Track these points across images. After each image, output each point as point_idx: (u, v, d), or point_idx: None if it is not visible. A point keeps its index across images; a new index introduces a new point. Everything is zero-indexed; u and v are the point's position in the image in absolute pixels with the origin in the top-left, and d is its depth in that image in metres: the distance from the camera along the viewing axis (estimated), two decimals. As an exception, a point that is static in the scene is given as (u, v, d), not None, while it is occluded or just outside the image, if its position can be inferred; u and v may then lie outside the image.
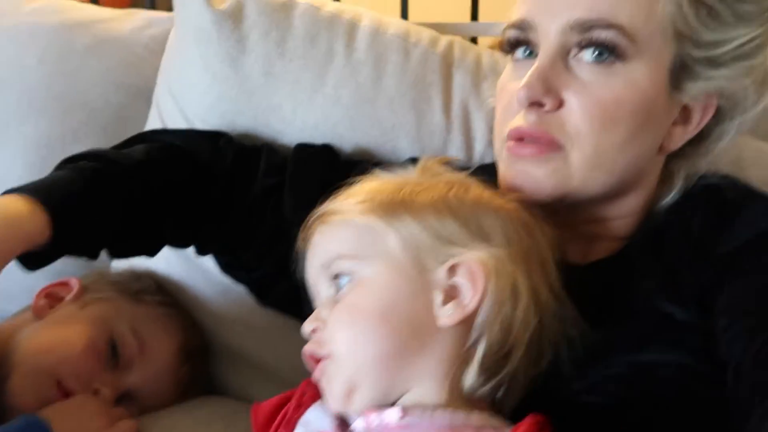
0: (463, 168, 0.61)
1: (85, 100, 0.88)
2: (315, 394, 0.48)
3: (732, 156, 0.74)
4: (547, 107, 0.54)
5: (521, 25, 0.56)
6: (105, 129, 0.88)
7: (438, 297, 0.44)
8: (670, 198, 0.61)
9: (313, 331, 0.47)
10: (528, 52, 0.57)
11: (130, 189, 0.63)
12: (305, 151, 0.73)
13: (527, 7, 0.56)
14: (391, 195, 0.48)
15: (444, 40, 0.80)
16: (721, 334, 0.52)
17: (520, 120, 0.55)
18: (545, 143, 0.54)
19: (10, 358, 0.66)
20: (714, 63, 0.55)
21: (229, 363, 0.82)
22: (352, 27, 0.77)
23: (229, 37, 0.74)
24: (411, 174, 0.53)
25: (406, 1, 1.28)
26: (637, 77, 0.53)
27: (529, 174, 0.55)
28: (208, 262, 0.78)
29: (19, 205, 0.56)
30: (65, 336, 0.68)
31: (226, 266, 0.76)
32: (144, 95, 0.88)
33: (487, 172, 0.60)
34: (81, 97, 0.88)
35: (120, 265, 0.84)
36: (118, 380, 0.68)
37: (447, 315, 0.44)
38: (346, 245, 0.47)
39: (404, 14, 1.29)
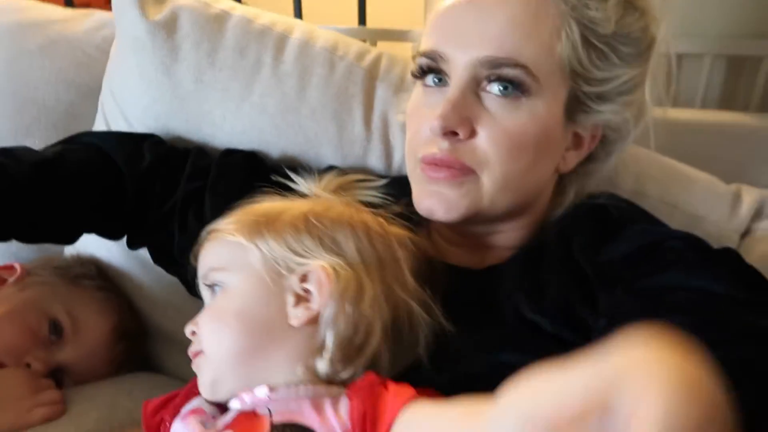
0: (381, 177, 0.68)
1: (37, 97, 0.93)
2: None
3: (635, 171, 0.80)
4: (461, 136, 0.58)
5: (432, 56, 0.60)
6: (55, 126, 0.93)
7: (290, 300, 0.51)
8: (561, 210, 0.68)
9: (193, 333, 0.53)
10: (438, 79, 0.61)
11: (26, 185, 0.68)
12: (229, 156, 0.78)
13: (439, 39, 0.60)
14: (259, 216, 0.54)
15: (372, 53, 0.85)
16: (599, 334, 0.55)
17: (434, 147, 0.60)
18: (458, 168, 0.59)
19: None
20: (602, 98, 0.62)
21: (163, 344, 0.88)
22: (281, 39, 0.82)
23: (163, 46, 0.79)
24: (304, 192, 0.60)
25: (364, 8, 1.33)
26: (539, 111, 0.59)
27: (443, 195, 0.60)
28: (145, 252, 0.84)
29: None
30: (2, 315, 0.74)
31: (157, 259, 0.81)
32: (94, 94, 0.92)
33: (400, 186, 0.66)
34: (33, 95, 0.93)
35: (69, 251, 0.91)
36: (50, 356, 0.75)
37: (296, 316, 0.50)
38: (218, 259, 0.54)
39: (362, 20, 1.33)
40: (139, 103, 0.82)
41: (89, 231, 0.80)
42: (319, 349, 0.50)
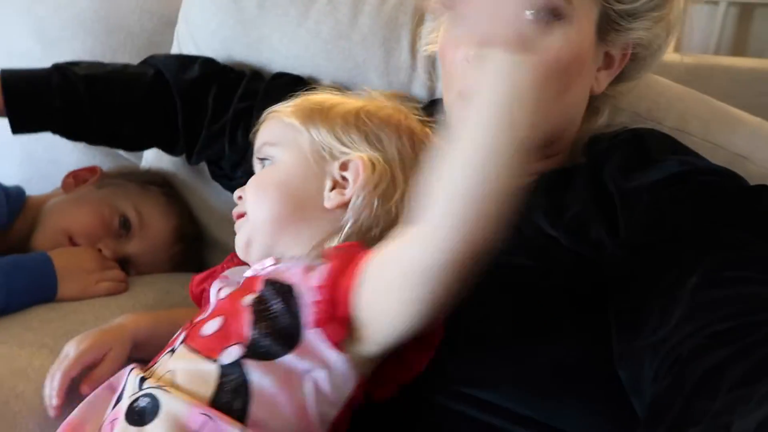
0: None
1: (124, 24, 1.03)
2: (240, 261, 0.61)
3: (679, 108, 0.79)
4: None
5: None
6: (138, 50, 1.02)
7: (328, 184, 0.55)
8: (594, 131, 0.68)
9: (240, 197, 0.59)
10: None
11: (86, 89, 0.80)
12: (278, 79, 0.84)
13: None
14: (316, 104, 0.59)
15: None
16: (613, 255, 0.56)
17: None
18: None
19: (38, 219, 0.84)
20: (633, 15, 0.61)
21: (217, 253, 0.96)
22: (340, -29, 0.87)
23: (231, -28, 0.86)
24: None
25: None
26: (571, 34, 0.58)
27: None
28: (205, 168, 0.92)
29: None
30: (81, 205, 0.85)
31: (213, 174, 0.90)
32: (172, 24, 1.01)
33: (438, 107, 0.69)
34: (121, 22, 1.03)
35: (144, 163, 1.02)
36: (118, 246, 0.85)
37: (330, 198, 0.55)
38: (272, 135, 0.59)
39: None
40: (207, 27, 0.89)
41: (151, 142, 0.89)
42: (337, 231, 0.54)
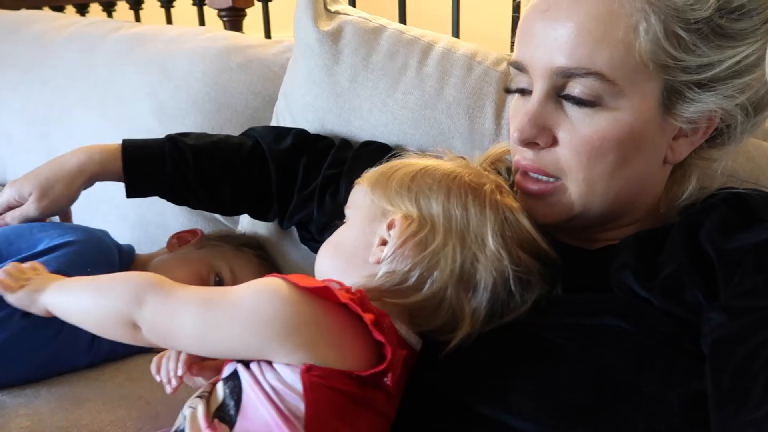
0: None
1: (231, 103, 1.13)
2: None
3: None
4: (542, 145, 0.60)
5: (516, 65, 0.62)
6: (242, 126, 1.12)
7: (376, 241, 0.58)
8: (685, 198, 0.65)
9: None
10: (525, 87, 0.62)
11: (193, 157, 0.88)
12: (365, 148, 0.88)
13: (520, 49, 0.62)
14: (386, 169, 0.63)
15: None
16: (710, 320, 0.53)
17: (520, 154, 0.63)
18: (543, 176, 0.61)
19: None
20: (705, 85, 0.57)
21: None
22: (428, 47, 0.92)
23: (328, 51, 0.93)
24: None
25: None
26: (622, 114, 0.57)
27: (534, 209, 0.62)
28: (294, 232, 0.97)
29: (111, 146, 0.87)
30: (182, 264, 0.91)
31: (302, 237, 0.94)
32: (273, 101, 1.11)
33: None
34: (228, 102, 1.14)
35: (239, 228, 1.09)
36: None
37: (374, 254, 0.58)
38: (350, 200, 0.65)
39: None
40: (302, 100, 0.97)
41: (247, 207, 0.95)
42: (372, 276, 0.56)
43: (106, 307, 0.54)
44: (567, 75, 0.57)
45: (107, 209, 1.19)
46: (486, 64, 0.90)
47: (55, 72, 1.37)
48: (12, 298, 0.64)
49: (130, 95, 1.22)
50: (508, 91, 0.66)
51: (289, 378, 0.48)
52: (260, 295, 0.50)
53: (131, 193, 0.88)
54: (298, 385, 0.48)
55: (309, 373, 0.48)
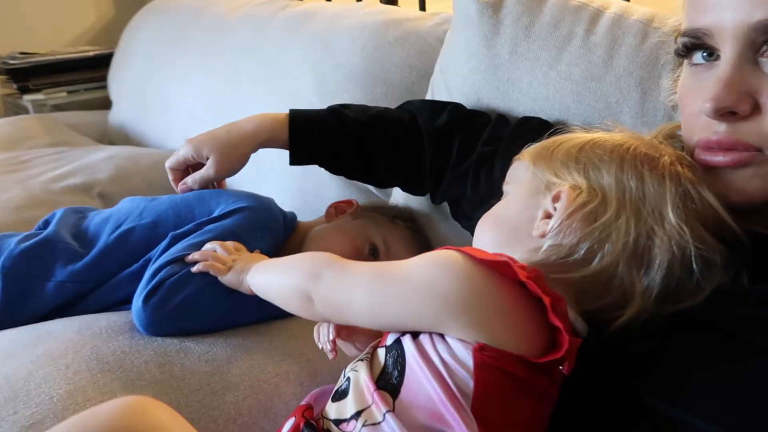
0: None
1: (387, 77, 1.15)
2: None
3: None
4: (741, 114, 0.53)
5: (694, 34, 0.55)
6: (398, 101, 1.13)
7: (539, 215, 0.56)
8: None
9: None
10: (707, 53, 0.55)
11: (354, 130, 0.90)
12: (525, 124, 0.84)
13: (699, 13, 0.55)
14: (549, 143, 0.61)
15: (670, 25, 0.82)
16: None
17: (708, 130, 0.55)
18: (741, 150, 0.54)
19: (305, 242, 0.95)
20: None
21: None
22: (596, 14, 0.86)
23: (488, 21, 0.90)
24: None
25: None
26: None
27: (726, 184, 0.55)
28: (446, 207, 0.97)
29: (280, 115, 0.91)
30: (339, 234, 0.95)
31: (453, 214, 0.94)
32: (429, 77, 1.10)
33: None
34: (385, 75, 1.15)
35: (392, 200, 1.11)
36: None
37: (538, 227, 0.55)
38: (509, 175, 0.63)
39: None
40: (460, 73, 0.95)
41: (401, 180, 0.97)
42: (537, 250, 0.54)
43: (290, 283, 0.59)
44: None
45: (272, 179, 1.28)
46: (664, 30, 0.81)
47: (229, 52, 1.49)
48: (223, 280, 0.73)
49: (294, 71, 1.29)
50: (683, 56, 0.59)
51: (460, 353, 0.48)
52: (434, 269, 0.50)
53: (294, 161, 0.93)
54: (469, 362, 0.47)
55: (481, 352, 0.47)
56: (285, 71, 1.31)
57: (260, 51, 1.40)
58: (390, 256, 0.93)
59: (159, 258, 0.78)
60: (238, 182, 1.10)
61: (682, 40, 0.58)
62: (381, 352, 0.53)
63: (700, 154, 0.57)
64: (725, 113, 0.53)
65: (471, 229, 0.92)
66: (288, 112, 0.93)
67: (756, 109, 0.53)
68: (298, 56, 1.29)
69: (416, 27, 1.18)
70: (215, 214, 0.85)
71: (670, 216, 0.52)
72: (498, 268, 0.49)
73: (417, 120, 0.92)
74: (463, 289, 0.48)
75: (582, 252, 0.53)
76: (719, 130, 0.54)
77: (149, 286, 0.72)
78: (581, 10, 0.87)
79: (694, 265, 0.52)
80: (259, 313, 0.77)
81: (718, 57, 0.55)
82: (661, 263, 0.52)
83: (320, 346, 0.64)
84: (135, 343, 0.69)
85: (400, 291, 0.51)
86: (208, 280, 0.73)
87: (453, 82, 0.97)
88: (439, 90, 1.01)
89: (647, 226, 0.52)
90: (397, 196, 1.09)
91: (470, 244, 0.84)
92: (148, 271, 0.76)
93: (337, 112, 0.93)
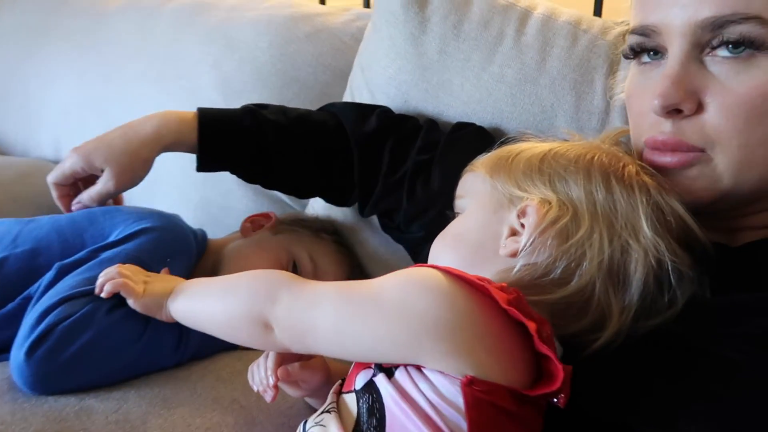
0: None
1: (299, 76, 1.06)
2: None
3: None
4: (686, 112, 0.53)
5: (642, 31, 0.55)
6: (312, 102, 1.05)
7: (505, 232, 0.52)
8: None
9: None
10: (653, 52, 0.55)
11: (274, 134, 0.81)
12: (460, 131, 0.80)
13: (646, 11, 0.55)
14: (505, 153, 0.57)
15: (617, 29, 0.82)
16: None
17: (655, 130, 0.55)
18: (685, 150, 0.53)
19: (219, 262, 0.85)
20: None
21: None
22: (525, 14, 0.83)
23: (414, 18, 0.85)
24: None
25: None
26: None
27: (673, 183, 0.54)
28: (375, 219, 0.90)
29: (187, 114, 0.80)
30: (260, 250, 0.85)
31: (384, 226, 0.87)
32: (345, 77, 1.03)
33: None
34: (296, 74, 1.06)
35: (310, 211, 1.02)
36: None
37: (505, 246, 0.51)
38: (462, 188, 0.58)
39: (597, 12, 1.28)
40: (384, 73, 0.89)
41: (323, 191, 0.89)
42: (508, 271, 0.50)
43: (236, 307, 0.50)
44: (717, 26, 0.50)
45: (168, 189, 1.14)
46: (592, 33, 0.80)
47: (109, 45, 1.31)
48: (138, 304, 0.60)
49: (191, 69, 1.15)
50: (631, 57, 0.58)
51: (447, 390, 0.41)
52: (408, 285, 0.44)
53: (202, 167, 0.82)
54: (459, 400, 0.41)
55: (471, 387, 0.41)
56: (179, 68, 1.17)
57: (147, 45, 1.25)
58: (318, 275, 0.84)
59: (43, 296, 0.64)
60: (126, 194, 0.94)
61: (629, 40, 0.57)
62: (350, 399, 0.46)
63: (649, 155, 0.56)
64: (671, 111, 0.53)
65: (404, 242, 0.86)
66: (196, 110, 0.81)
67: (699, 107, 0.52)
68: (195, 51, 1.16)
69: (328, 23, 1.10)
70: (112, 238, 0.72)
71: (645, 229, 0.50)
72: (480, 288, 0.43)
73: (342, 124, 0.84)
74: (443, 311, 0.42)
75: (558, 271, 0.49)
76: (665, 129, 0.54)
77: (34, 335, 0.59)
78: (509, 9, 0.84)
79: (672, 280, 0.50)
80: (176, 357, 0.66)
81: (664, 56, 0.54)
82: (638, 279, 0.49)
83: (255, 389, 0.56)
84: (18, 408, 0.56)
85: (369, 311, 0.44)
86: (113, 318, 0.61)
87: (376, 83, 0.90)
88: (359, 91, 0.94)
89: (621, 241, 0.50)
90: (317, 207, 1.00)
91: (401, 257, 0.78)
92: (29, 313, 0.62)
93: (254, 112, 0.83)
